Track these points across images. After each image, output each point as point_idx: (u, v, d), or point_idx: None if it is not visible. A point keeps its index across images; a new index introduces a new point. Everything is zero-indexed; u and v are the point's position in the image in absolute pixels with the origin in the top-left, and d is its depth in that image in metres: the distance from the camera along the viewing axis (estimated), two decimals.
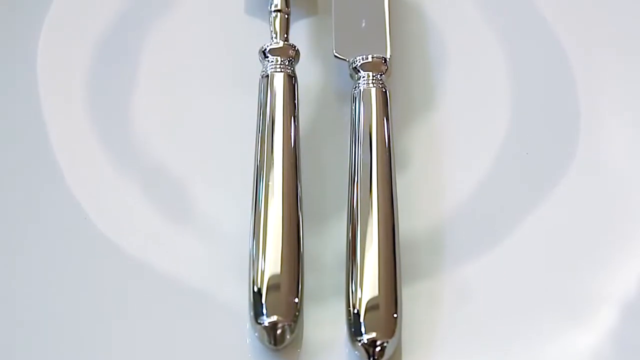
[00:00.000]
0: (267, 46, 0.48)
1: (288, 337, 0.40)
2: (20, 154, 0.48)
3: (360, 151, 0.45)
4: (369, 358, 0.40)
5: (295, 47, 0.48)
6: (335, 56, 0.49)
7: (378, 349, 0.40)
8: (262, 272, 0.41)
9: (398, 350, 0.41)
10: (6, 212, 0.46)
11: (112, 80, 0.50)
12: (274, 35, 0.49)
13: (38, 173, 0.47)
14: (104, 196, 0.47)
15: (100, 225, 0.45)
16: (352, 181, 0.45)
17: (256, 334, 0.41)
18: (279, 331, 0.40)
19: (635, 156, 0.48)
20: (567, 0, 0.53)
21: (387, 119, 0.46)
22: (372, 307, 0.41)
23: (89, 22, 0.52)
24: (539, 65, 0.51)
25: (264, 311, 0.40)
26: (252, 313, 0.41)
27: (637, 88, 0.51)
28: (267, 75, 0.47)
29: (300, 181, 0.44)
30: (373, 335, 0.40)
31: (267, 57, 0.47)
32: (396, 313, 0.41)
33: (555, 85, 0.51)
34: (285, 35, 0.49)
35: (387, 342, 0.40)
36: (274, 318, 0.40)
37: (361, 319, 0.40)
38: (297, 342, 0.42)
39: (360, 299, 0.41)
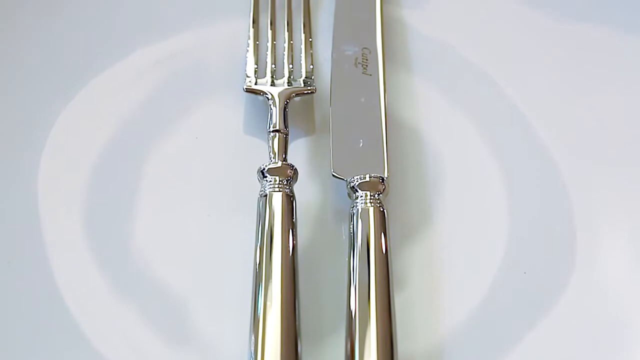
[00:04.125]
0: (266, 166, 0.48)
1: None
2: (20, 276, 0.48)
3: (359, 270, 0.45)
4: None
5: (293, 166, 0.48)
6: (334, 175, 0.49)
7: None
8: None
9: None
10: (5, 334, 0.46)
11: (112, 200, 0.50)
12: (273, 155, 0.49)
13: (37, 295, 0.47)
14: (103, 317, 0.46)
15: (99, 346, 0.45)
16: (350, 300, 0.44)
17: None
18: None
19: (632, 273, 0.48)
20: (561, 118, 0.54)
21: (385, 238, 0.46)
22: None
23: (89, 143, 0.52)
24: (534, 183, 0.52)
25: None
26: None
27: (632, 204, 0.51)
28: (266, 195, 0.47)
29: (298, 300, 0.44)
30: None
31: (266, 176, 0.48)
32: None
33: (551, 203, 0.51)
34: (284, 155, 0.49)
35: None
36: None
37: None
38: None
39: None
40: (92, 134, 0.52)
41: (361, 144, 0.50)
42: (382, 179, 0.48)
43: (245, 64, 0.54)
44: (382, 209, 0.47)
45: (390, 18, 0.57)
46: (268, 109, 0.51)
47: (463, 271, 0.48)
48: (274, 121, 0.50)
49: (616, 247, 0.49)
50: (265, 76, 0.53)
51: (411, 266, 0.48)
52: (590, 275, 0.48)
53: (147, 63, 0.55)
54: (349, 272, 0.46)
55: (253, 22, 0.55)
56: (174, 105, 0.54)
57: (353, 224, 0.47)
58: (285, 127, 0.50)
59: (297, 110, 0.53)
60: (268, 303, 0.43)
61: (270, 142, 0.50)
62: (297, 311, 0.44)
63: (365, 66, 0.53)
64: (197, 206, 0.50)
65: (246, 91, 0.53)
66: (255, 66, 0.54)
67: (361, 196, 0.47)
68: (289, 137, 0.50)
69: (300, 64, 0.54)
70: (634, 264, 0.49)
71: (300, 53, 0.55)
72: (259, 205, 0.47)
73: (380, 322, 0.43)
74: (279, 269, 0.44)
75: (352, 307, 0.44)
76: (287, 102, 0.52)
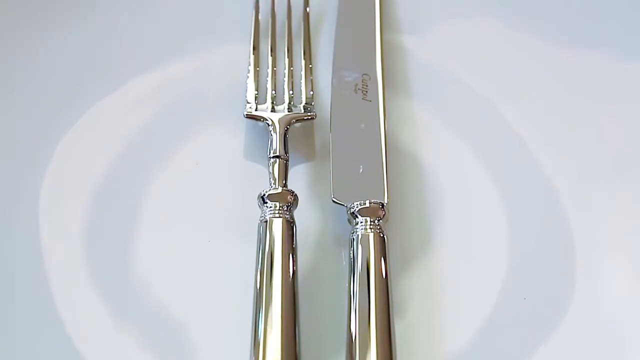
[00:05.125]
0: (266, 192, 0.48)
1: None
2: (19, 300, 0.48)
3: (359, 295, 0.45)
4: None
5: (293, 192, 0.48)
6: (334, 201, 0.49)
7: None
8: None
9: None
10: (5, 358, 0.45)
11: (112, 226, 0.50)
12: (273, 181, 0.49)
13: (37, 319, 0.47)
14: (103, 342, 0.46)
15: None
16: (350, 325, 0.44)
17: None
18: None
19: (632, 297, 0.48)
20: (561, 142, 0.54)
21: (385, 264, 0.46)
22: None
23: (90, 168, 0.52)
24: (534, 208, 0.52)
25: None
26: None
27: (632, 229, 0.51)
28: (266, 221, 0.47)
29: (298, 325, 0.44)
30: None
31: (266, 202, 0.48)
32: None
33: (550, 228, 0.51)
34: (284, 181, 0.49)
35: None
36: None
37: None
38: None
39: None
40: (93, 159, 0.52)
41: (361, 170, 0.51)
42: (382, 205, 0.48)
43: (246, 90, 0.54)
44: (382, 235, 0.47)
45: (390, 44, 0.57)
46: (268, 134, 0.52)
47: (463, 297, 0.48)
48: (274, 147, 0.51)
49: (616, 271, 0.49)
50: (265, 102, 0.54)
51: (411, 292, 0.48)
52: (590, 300, 0.48)
53: (148, 89, 0.55)
54: (349, 297, 0.46)
55: (253, 48, 0.56)
56: (174, 131, 0.54)
57: (353, 250, 0.47)
58: (286, 153, 0.50)
59: (297, 136, 0.53)
60: (268, 328, 0.43)
61: (271, 168, 0.50)
62: (297, 336, 0.44)
63: (365, 92, 0.54)
64: (198, 232, 0.50)
65: (246, 117, 0.53)
66: (256, 92, 0.54)
67: (361, 222, 0.48)
68: (289, 162, 0.50)
69: (301, 90, 0.55)
70: (634, 288, 0.49)
71: (301, 79, 0.55)
72: (259, 231, 0.47)
73: (380, 347, 0.43)
74: (279, 295, 0.44)
75: (352, 333, 0.44)
76: (287, 128, 0.52)
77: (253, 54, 0.56)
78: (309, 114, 0.53)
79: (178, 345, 0.47)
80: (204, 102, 0.55)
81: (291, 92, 0.54)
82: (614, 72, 0.56)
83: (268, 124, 0.52)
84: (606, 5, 0.58)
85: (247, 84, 0.54)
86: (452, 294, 0.48)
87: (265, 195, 0.48)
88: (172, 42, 0.57)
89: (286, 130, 0.52)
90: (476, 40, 0.58)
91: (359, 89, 0.54)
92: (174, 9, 0.58)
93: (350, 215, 0.48)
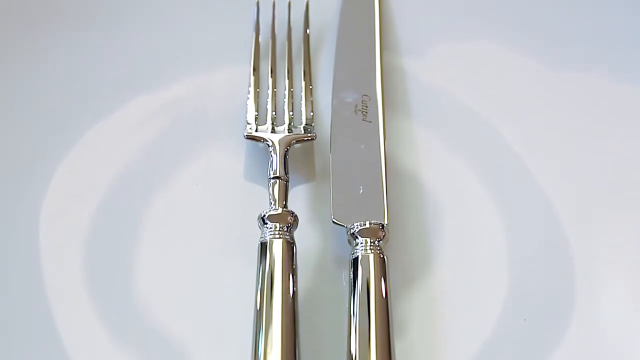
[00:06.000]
0: (266, 212, 0.48)
1: None
2: (20, 324, 0.48)
3: (359, 316, 0.45)
4: None
5: (293, 213, 0.48)
6: (334, 222, 0.49)
7: None
8: None
9: None
10: None
11: (113, 247, 0.50)
12: (273, 202, 0.49)
13: (37, 341, 0.47)
14: None
15: None
16: (350, 346, 0.44)
17: None
18: None
19: (632, 321, 0.48)
20: (562, 164, 0.54)
21: (385, 285, 0.46)
22: None
23: (90, 190, 0.52)
24: (534, 230, 0.52)
25: None
26: None
27: (632, 252, 0.51)
28: (266, 242, 0.47)
29: (299, 346, 0.44)
30: None
31: (266, 223, 0.48)
32: None
33: (551, 250, 0.51)
34: (284, 202, 0.49)
35: None
36: None
37: None
38: None
39: None
40: (94, 179, 0.53)
41: (361, 191, 0.51)
42: (382, 226, 0.48)
43: (246, 111, 0.54)
44: (382, 256, 0.47)
45: (390, 66, 0.57)
46: (268, 155, 0.52)
47: (463, 318, 0.48)
48: (274, 168, 0.51)
49: (616, 293, 0.49)
50: (265, 123, 0.54)
51: (411, 312, 0.48)
52: (590, 322, 0.48)
53: (148, 110, 0.55)
54: (349, 318, 0.46)
55: (253, 69, 0.56)
56: (174, 151, 0.54)
57: (353, 271, 0.47)
58: (286, 173, 0.50)
59: (297, 157, 0.54)
60: (268, 349, 0.43)
61: (271, 188, 0.50)
62: (298, 357, 0.44)
63: (365, 113, 0.54)
64: (198, 252, 0.50)
65: (247, 138, 0.53)
66: (256, 113, 0.54)
67: (361, 243, 0.48)
68: (290, 183, 0.50)
69: (301, 111, 0.55)
70: (634, 310, 0.49)
71: (301, 100, 0.55)
72: (259, 252, 0.47)
73: None
74: (279, 315, 0.44)
75: (353, 353, 0.44)
76: (287, 148, 0.52)
77: (253, 75, 0.56)
78: (309, 134, 0.53)
79: None
80: (204, 123, 0.55)
81: (291, 113, 0.54)
82: (614, 93, 0.56)
83: (268, 144, 0.52)
84: (605, 27, 0.59)
85: (247, 105, 0.54)
86: (452, 315, 0.48)
87: (266, 216, 0.48)
88: (173, 63, 0.57)
89: (286, 151, 0.52)
90: (476, 61, 0.58)
91: (359, 109, 0.54)
92: (174, 30, 0.59)
93: (350, 236, 0.48)
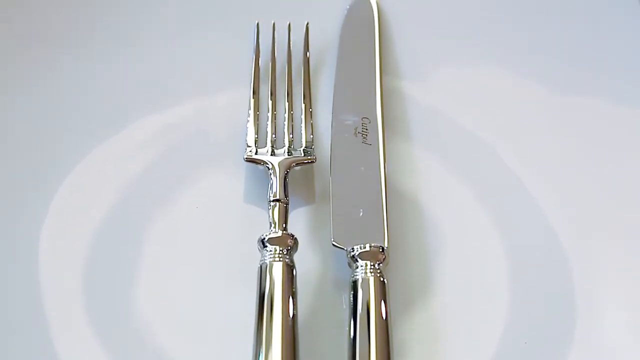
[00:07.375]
0: (266, 235, 0.48)
1: None
2: (19, 345, 0.48)
3: (359, 340, 0.45)
4: None
5: (293, 236, 0.48)
6: (334, 245, 0.49)
7: None
8: None
9: None
10: None
11: (112, 270, 0.50)
12: (273, 225, 0.49)
13: None
14: None
15: None
16: None
17: None
18: None
19: (633, 343, 0.48)
20: (561, 186, 0.54)
21: (386, 308, 0.46)
22: None
23: (90, 212, 0.52)
24: (535, 252, 0.52)
25: None
26: None
27: (632, 274, 0.51)
28: (266, 265, 0.47)
29: None
30: None
31: (266, 246, 0.48)
32: None
33: (551, 273, 0.51)
34: (284, 225, 0.49)
35: None
36: None
37: None
38: None
39: None
40: (94, 203, 0.52)
41: (361, 214, 0.51)
42: (382, 249, 0.48)
43: (246, 134, 0.54)
44: (382, 279, 0.47)
45: (390, 89, 0.57)
46: (268, 178, 0.52)
47: (464, 341, 0.48)
48: (274, 191, 0.51)
49: (617, 315, 0.49)
50: (265, 146, 0.54)
51: (412, 336, 0.48)
52: (590, 345, 0.48)
53: (148, 133, 0.55)
54: (349, 341, 0.45)
55: (253, 92, 0.56)
56: (174, 174, 0.54)
57: (353, 294, 0.47)
58: (286, 196, 0.50)
59: (297, 179, 0.54)
60: None
61: (271, 211, 0.50)
62: None
63: (365, 135, 0.54)
64: (197, 275, 0.50)
65: (246, 161, 0.53)
66: (256, 136, 0.54)
67: (361, 266, 0.47)
68: (289, 206, 0.50)
69: (301, 133, 0.55)
70: (634, 331, 0.49)
71: (300, 123, 0.55)
72: (259, 275, 0.47)
73: None
74: (279, 339, 0.44)
75: None
76: (287, 171, 0.52)
77: (253, 97, 0.56)
78: (308, 157, 0.53)
79: None
80: (204, 146, 0.55)
81: (291, 135, 0.54)
82: (614, 117, 0.56)
83: (268, 167, 0.52)
84: (606, 51, 0.59)
85: (247, 127, 0.54)
86: (452, 338, 0.48)
87: (265, 239, 0.48)
88: (173, 86, 0.57)
89: (286, 174, 0.52)
90: (476, 85, 0.58)
91: (359, 132, 0.54)
92: (173, 53, 0.59)
93: (350, 259, 0.48)
